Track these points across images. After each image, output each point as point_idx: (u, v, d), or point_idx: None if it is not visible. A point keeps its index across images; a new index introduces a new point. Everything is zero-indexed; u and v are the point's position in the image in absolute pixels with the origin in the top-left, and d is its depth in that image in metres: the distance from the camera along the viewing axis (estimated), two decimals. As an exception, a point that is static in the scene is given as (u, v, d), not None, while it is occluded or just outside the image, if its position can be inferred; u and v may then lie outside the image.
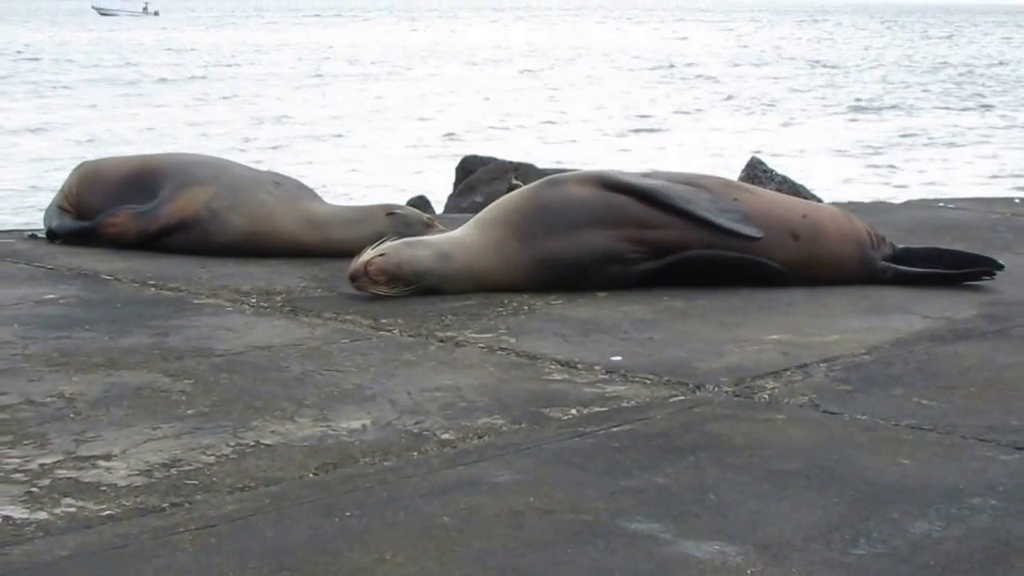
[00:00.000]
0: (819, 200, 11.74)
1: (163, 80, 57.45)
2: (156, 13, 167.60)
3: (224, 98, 49.08)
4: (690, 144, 33.90)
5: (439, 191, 17.03)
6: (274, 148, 33.97)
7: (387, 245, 7.18)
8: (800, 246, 7.54)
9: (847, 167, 29.65)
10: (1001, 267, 7.70)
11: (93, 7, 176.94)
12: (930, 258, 7.88)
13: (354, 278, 7.08)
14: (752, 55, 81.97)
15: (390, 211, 8.57)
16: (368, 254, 7.09)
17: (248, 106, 44.89)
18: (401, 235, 7.79)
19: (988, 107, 46.89)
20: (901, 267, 7.76)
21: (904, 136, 37.04)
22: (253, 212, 8.49)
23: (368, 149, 33.16)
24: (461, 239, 7.39)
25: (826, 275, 7.58)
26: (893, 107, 45.97)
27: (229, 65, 68.62)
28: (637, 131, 37.98)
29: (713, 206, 7.47)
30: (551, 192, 7.52)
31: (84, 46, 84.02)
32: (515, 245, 7.32)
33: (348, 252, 8.22)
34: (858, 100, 48.74)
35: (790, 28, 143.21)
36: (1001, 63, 73.94)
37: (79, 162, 9.71)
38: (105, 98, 47.90)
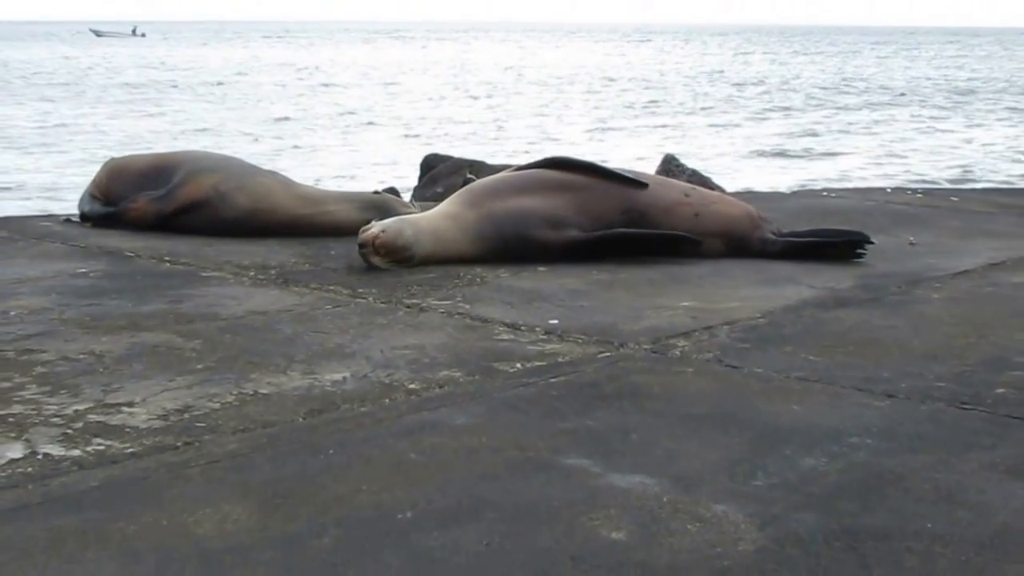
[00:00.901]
0: (722, 190, 11.76)
1: (176, 86, 57.37)
2: (143, 35, 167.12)
3: (240, 99, 49.17)
4: (621, 145, 33.85)
5: (407, 183, 17.00)
6: (277, 138, 33.97)
7: (386, 222, 7.26)
8: (691, 202, 7.85)
9: (753, 163, 29.60)
10: (871, 241, 7.77)
11: (90, 29, 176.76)
12: (814, 236, 7.97)
13: (363, 245, 7.12)
14: (680, 69, 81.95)
15: (374, 192, 8.72)
16: (375, 229, 7.13)
17: (257, 110, 44.74)
18: (385, 213, 7.94)
19: (845, 108, 46.93)
20: (790, 238, 7.87)
21: (797, 135, 36.99)
22: (256, 192, 8.51)
23: (351, 147, 33.04)
24: (430, 218, 7.50)
25: (719, 229, 7.79)
26: (796, 112, 45.96)
27: (238, 74, 68.52)
28: (589, 132, 37.83)
29: (610, 166, 8.04)
30: (487, 178, 8.05)
31: (123, 61, 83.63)
32: (468, 214, 7.50)
33: (337, 227, 8.32)
34: (767, 107, 48.78)
35: (714, 46, 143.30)
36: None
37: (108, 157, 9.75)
38: (137, 102, 47.81)
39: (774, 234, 7.90)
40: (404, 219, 7.46)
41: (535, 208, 7.50)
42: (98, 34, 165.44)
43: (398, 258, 7.17)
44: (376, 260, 7.13)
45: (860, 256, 7.71)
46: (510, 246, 7.40)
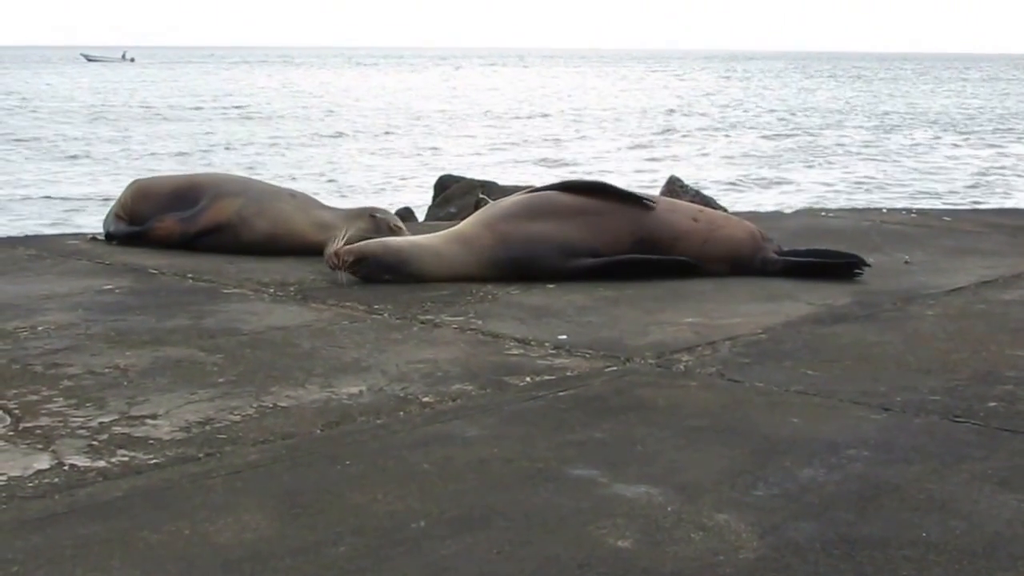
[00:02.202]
0: (725, 209, 11.75)
1: (200, 108, 57.54)
2: (132, 60, 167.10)
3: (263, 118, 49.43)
4: (627, 167, 33.85)
5: (422, 202, 17.03)
6: (303, 163, 34.07)
7: (363, 242, 7.40)
8: (699, 227, 7.77)
9: (749, 186, 29.54)
10: (868, 264, 7.75)
11: (81, 54, 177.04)
12: (813, 256, 7.95)
13: (328, 263, 7.30)
14: (679, 95, 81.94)
15: (372, 214, 8.66)
16: (338, 244, 7.34)
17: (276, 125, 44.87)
18: (377, 235, 7.99)
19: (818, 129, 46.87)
20: (790, 257, 7.84)
21: (789, 151, 36.94)
22: (274, 218, 8.54)
23: (372, 166, 33.11)
24: (437, 238, 7.54)
25: (725, 254, 7.73)
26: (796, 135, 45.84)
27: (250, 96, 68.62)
28: (603, 154, 37.80)
29: (621, 187, 7.95)
30: (505, 199, 7.87)
31: (149, 87, 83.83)
32: (485, 236, 7.46)
33: None
34: (766, 128, 48.68)
35: (703, 72, 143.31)
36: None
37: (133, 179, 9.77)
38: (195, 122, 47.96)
39: (776, 253, 7.88)
40: (392, 240, 7.55)
41: (547, 237, 7.42)
42: (89, 59, 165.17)
43: (364, 272, 7.28)
44: (343, 265, 7.26)
45: (857, 276, 7.70)
46: (519, 273, 7.37)
